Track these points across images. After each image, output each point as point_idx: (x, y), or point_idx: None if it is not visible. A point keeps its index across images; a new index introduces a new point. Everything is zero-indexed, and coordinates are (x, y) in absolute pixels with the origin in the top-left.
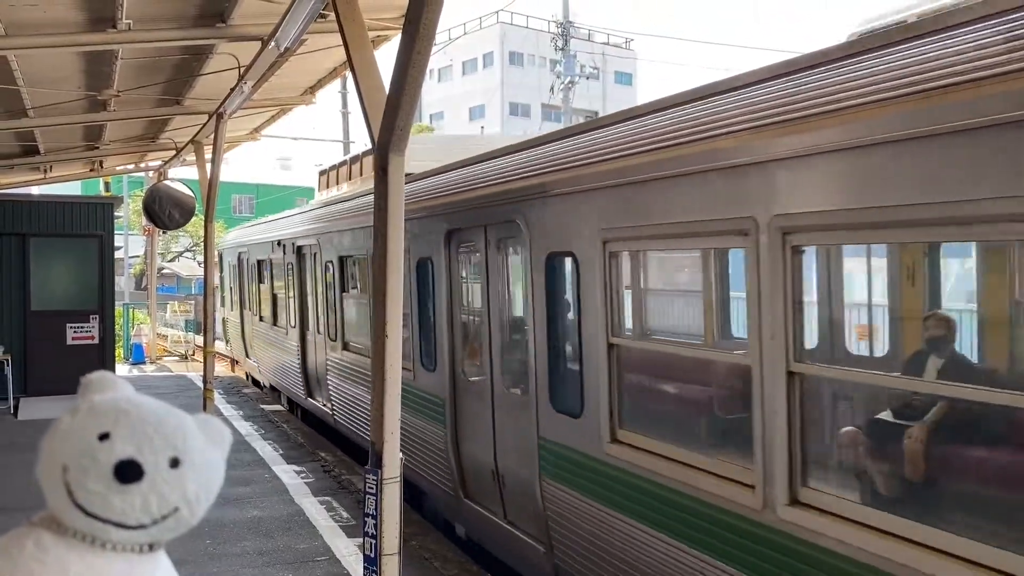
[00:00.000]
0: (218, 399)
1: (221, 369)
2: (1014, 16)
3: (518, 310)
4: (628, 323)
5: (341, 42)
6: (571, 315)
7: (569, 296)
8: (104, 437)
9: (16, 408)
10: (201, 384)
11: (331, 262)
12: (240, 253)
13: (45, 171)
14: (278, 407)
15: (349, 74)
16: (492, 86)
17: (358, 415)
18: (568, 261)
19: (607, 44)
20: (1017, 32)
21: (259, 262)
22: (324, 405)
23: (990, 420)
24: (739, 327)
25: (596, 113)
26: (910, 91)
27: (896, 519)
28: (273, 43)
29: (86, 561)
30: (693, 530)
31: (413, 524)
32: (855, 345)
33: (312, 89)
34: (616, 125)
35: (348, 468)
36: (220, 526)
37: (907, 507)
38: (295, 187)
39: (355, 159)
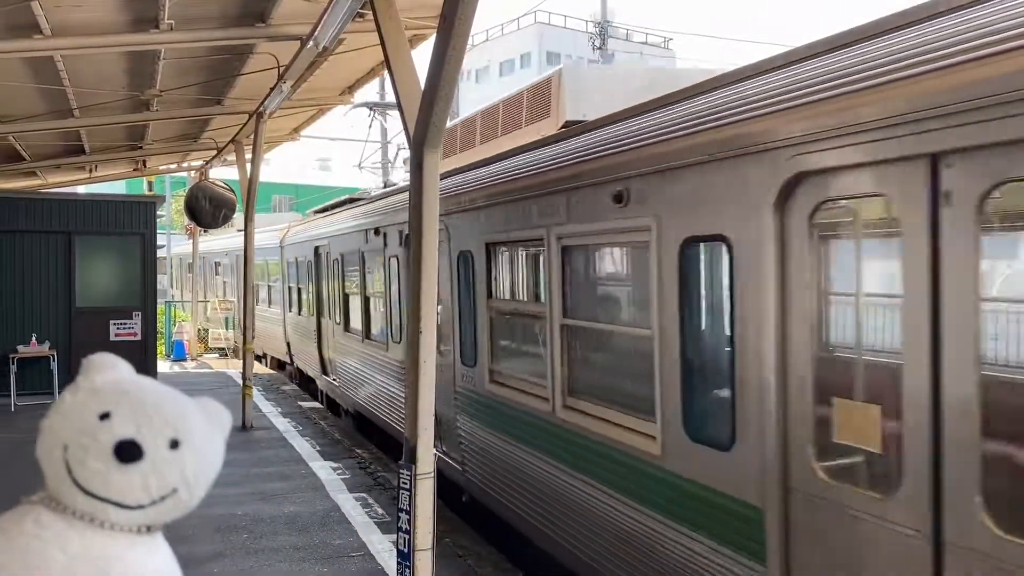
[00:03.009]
0: (257, 396)
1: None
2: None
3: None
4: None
5: (379, 41)
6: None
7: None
8: (105, 417)
9: None
10: (240, 381)
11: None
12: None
13: (90, 170)
14: (316, 404)
15: (387, 74)
16: None
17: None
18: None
19: (645, 44)
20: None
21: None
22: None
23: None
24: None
25: None
26: (504, 181)
27: (599, 407)
28: (312, 42)
29: (85, 540)
30: (521, 430)
31: (447, 521)
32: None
33: (350, 89)
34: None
35: (384, 465)
36: (257, 521)
37: (602, 400)
38: (335, 188)
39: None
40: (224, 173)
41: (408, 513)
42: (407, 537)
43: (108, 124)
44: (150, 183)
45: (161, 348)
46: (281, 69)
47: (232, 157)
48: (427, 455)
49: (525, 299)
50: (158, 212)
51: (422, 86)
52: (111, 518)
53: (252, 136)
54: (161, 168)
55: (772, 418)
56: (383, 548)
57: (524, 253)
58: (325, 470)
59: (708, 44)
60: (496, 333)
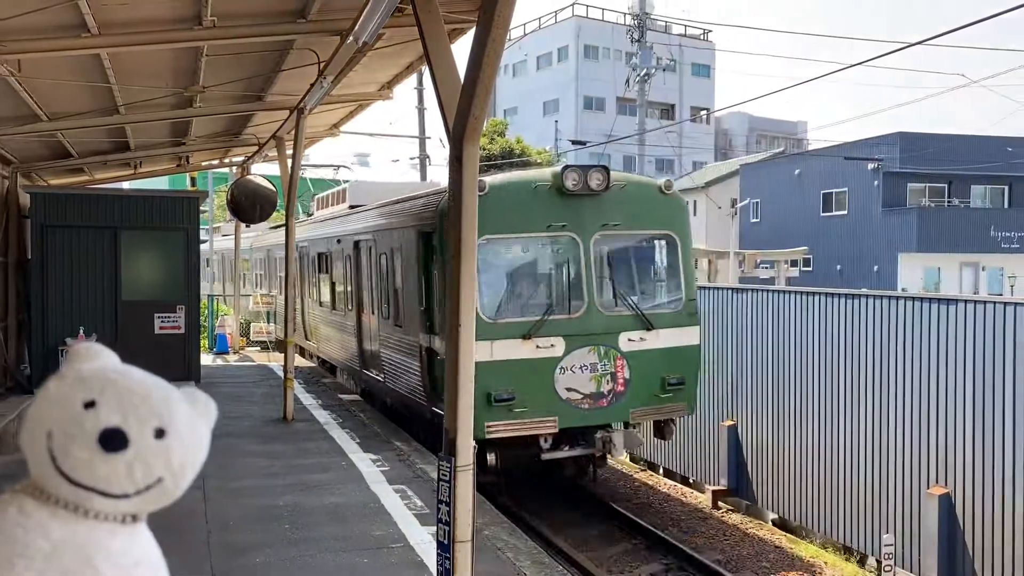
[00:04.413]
0: (298, 388)
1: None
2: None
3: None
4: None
5: (418, 36)
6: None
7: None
8: (90, 405)
9: None
10: (282, 374)
11: None
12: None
13: (135, 167)
14: (356, 396)
15: (426, 70)
16: (566, 80)
17: None
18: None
19: (684, 36)
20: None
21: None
22: None
23: None
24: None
25: (672, 107)
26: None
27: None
28: (352, 37)
29: (68, 528)
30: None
31: (486, 514)
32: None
33: (389, 84)
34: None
35: (423, 457)
36: (299, 512)
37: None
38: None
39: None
40: (266, 169)
41: (448, 505)
42: (447, 529)
43: (152, 121)
44: (193, 179)
45: (204, 341)
46: (321, 65)
47: (273, 153)
48: (467, 447)
49: (335, 278)
50: (201, 208)
51: (461, 80)
52: (95, 506)
53: (293, 132)
54: (203, 164)
55: None
56: (422, 540)
57: (329, 259)
58: (365, 462)
59: (748, 35)
60: (323, 290)
